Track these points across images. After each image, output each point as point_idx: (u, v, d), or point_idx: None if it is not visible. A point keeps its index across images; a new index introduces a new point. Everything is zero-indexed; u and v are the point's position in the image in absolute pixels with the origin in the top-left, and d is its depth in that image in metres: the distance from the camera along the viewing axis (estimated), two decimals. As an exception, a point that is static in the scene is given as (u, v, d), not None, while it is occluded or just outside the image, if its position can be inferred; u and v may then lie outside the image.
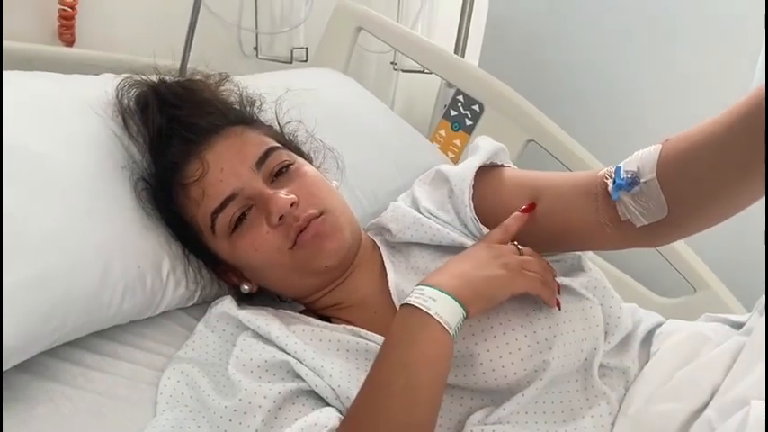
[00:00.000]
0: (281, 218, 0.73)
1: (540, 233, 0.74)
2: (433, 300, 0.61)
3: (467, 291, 0.63)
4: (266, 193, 0.74)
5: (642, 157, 0.65)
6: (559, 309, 0.69)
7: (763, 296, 0.71)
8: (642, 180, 0.64)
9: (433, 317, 0.60)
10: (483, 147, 0.83)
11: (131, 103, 0.83)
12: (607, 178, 0.68)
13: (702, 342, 0.74)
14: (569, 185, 0.74)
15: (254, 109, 0.88)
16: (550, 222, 0.74)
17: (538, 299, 0.68)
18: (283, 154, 0.79)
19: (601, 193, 0.69)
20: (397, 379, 0.58)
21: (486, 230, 0.77)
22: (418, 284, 0.64)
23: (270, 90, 0.91)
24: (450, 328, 0.60)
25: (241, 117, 0.85)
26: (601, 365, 0.72)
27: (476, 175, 0.80)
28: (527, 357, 0.66)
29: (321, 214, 0.74)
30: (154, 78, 0.84)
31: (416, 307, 0.61)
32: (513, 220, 0.73)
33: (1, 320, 0.59)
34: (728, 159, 0.59)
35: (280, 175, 0.77)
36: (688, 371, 0.70)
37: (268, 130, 0.85)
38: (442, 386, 0.61)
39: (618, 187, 0.65)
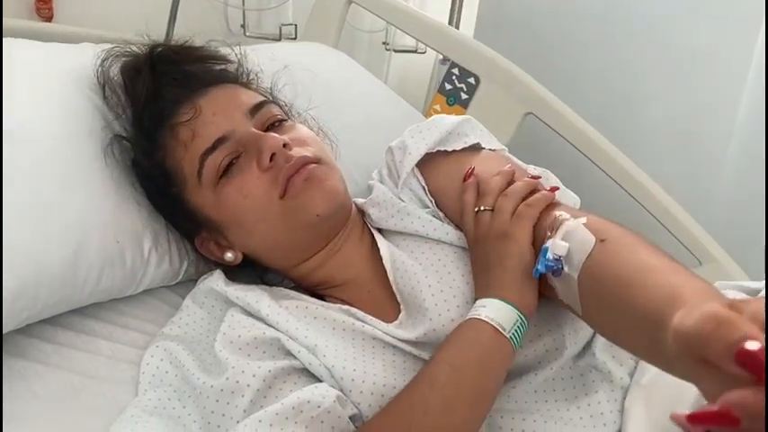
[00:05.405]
0: (272, 157, 0.68)
1: None
2: (483, 306, 0.61)
3: (506, 290, 0.62)
4: (257, 133, 0.70)
5: (573, 247, 0.57)
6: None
7: None
8: (565, 270, 0.58)
9: (484, 320, 0.60)
10: (436, 128, 0.78)
11: (120, 71, 0.79)
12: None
13: (718, 309, 0.71)
14: None
15: (253, 78, 0.85)
16: None
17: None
18: (276, 109, 0.77)
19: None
20: (441, 374, 0.58)
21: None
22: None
23: (268, 63, 0.88)
24: (505, 330, 0.59)
25: (238, 78, 0.82)
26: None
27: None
28: (540, 340, 0.67)
29: (316, 161, 0.70)
30: (142, 48, 0.80)
31: (471, 318, 0.61)
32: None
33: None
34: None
35: (272, 128, 0.74)
36: (704, 338, 0.66)
37: (264, 91, 0.83)
38: (489, 390, 0.59)
39: (541, 268, 0.59)
